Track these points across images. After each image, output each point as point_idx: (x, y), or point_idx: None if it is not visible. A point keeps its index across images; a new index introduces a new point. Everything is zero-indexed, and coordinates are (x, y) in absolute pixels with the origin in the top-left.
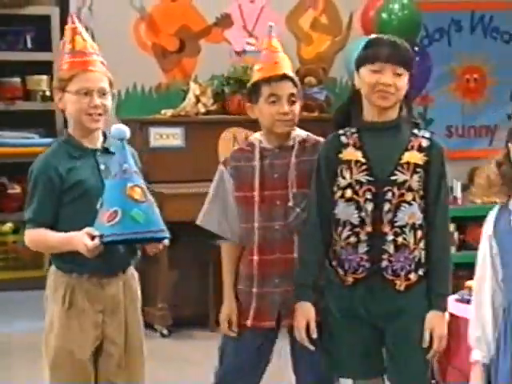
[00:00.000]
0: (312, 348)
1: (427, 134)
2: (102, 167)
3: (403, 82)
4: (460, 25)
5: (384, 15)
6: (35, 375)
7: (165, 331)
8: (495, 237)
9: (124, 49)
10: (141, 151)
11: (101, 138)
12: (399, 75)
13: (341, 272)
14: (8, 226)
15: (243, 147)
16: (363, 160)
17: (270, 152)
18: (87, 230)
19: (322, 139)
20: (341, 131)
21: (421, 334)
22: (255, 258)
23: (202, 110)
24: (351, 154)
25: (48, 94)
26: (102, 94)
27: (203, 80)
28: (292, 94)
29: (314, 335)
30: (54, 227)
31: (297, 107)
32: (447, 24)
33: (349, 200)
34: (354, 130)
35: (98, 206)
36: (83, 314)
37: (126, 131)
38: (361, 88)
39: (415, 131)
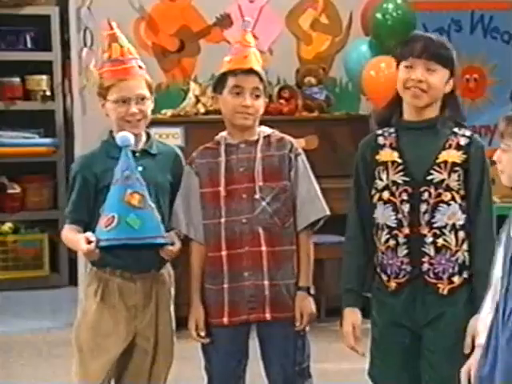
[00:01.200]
0: (361, 352)
1: (467, 133)
2: (140, 169)
3: (437, 79)
4: (460, 25)
5: (378, 15)
6: (35, 375)
7: None
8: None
9: None
10: None
11: (144, 139)
12: (433, 71)
13: (384, 278)
14: (8, 225)
15: (209, 145)
16: (399, 160)
17: (235, 147)
18: (86, 234)
19: (286, 136)
20: (379, 131)
21: (459, 340)
22: (223, 253)
23: (202, 109)
24: (388, 154)
25: (48, 93)
26: (141, 99)
27: (203, 80)
28: (256, 88)
29: (360, 341)
30: (89, 225)
31: (261, 102)
32: (447, 24)
33: (386, 202)
34: (392, 130)
35: (101, 210)
36: (114, 309)
37: (131, 138)
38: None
39: (455, 129)
